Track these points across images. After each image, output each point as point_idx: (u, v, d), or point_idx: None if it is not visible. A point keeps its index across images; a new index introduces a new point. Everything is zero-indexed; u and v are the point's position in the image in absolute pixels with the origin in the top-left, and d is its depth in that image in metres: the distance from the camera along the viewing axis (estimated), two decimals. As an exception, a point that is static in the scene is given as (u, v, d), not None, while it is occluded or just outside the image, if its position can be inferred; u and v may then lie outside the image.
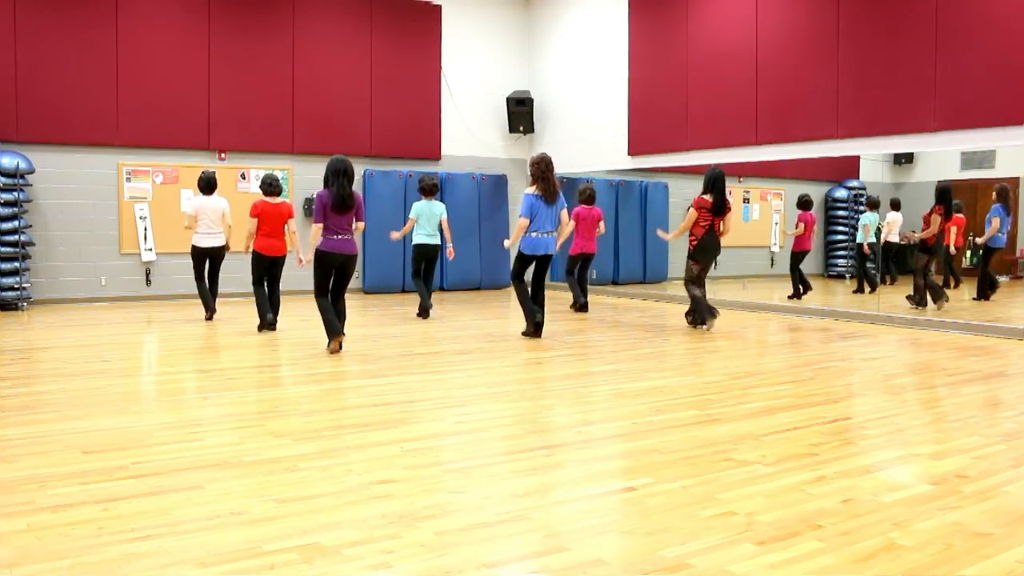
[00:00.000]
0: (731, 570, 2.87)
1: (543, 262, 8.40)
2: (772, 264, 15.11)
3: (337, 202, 7.14)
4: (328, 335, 7.36)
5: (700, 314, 9.02)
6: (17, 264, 10.49)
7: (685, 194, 15.22)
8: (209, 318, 9.45)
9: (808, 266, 14.73)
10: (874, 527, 3.27)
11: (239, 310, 10.39)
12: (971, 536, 3.20)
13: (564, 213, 8.40)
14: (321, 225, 7.21)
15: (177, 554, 2.95)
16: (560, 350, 7.74)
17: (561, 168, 14.20)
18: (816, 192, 14.88)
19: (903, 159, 14.01)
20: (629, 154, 13.05)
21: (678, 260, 15.22)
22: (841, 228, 15.41)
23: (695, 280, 9.02)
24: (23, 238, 10.49)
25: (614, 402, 5.67)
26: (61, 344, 8.01)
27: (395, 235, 10.18)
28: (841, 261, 15.51)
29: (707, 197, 8.75)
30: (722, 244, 9.08)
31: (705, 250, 8.88)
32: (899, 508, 3.50)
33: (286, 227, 8.69)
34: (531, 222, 8.15)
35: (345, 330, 7.52)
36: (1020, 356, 7.68)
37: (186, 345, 8.02)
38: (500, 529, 3.25)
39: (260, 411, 5.33)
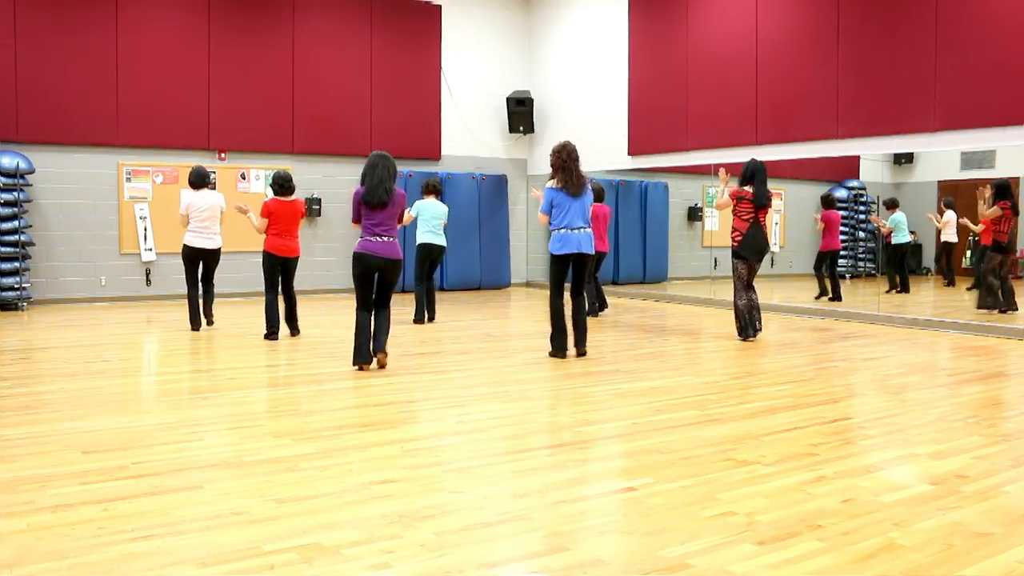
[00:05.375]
0: (731, 570, 2.87)
1: (579, 266, 7.22)
2: (772, 264, 15.10)
3: (369, 195, 6.39)
4: (355, 359, 6.58)
5: (744, 331, 8.20)
6: (17, 264, 10.49)
7: (685, 194, 15.24)
8: (195, 329, 8.67)
9: (805, 265, 14.70)
10: (874, 527, 3.27)
11: (239, 310, 10.38)
12: (971, 536, 3.20)
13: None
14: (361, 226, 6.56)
15: (177, 554, 2.95)
16: (560, 350, 7.72)
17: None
18: (815, 192, 14.88)
19: (903, 159, 14.01)
20: (629, 154, 13.06)
21: (678, 260, 15.24)
22: (841, 228, 15.36)
23: (745, 284, 8.13)
24: (23, 238, 10.49)
25: (614, 402, 5.66)
26: (61, 344, 8.01)
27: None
28: (841, 261, 15.47)
29: (748, 188, 8.02)
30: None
31: (751, 246, 7.99)
32: (899, 508, 3.50)
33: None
34: (554, 218, 7.13)
35: (344, 329, 7.44)
36: (1020, 356, 7.68)
37: (186, 345, 8.02)
38: (500, 529, 3.25)
39: (260, 411, 5.33)
